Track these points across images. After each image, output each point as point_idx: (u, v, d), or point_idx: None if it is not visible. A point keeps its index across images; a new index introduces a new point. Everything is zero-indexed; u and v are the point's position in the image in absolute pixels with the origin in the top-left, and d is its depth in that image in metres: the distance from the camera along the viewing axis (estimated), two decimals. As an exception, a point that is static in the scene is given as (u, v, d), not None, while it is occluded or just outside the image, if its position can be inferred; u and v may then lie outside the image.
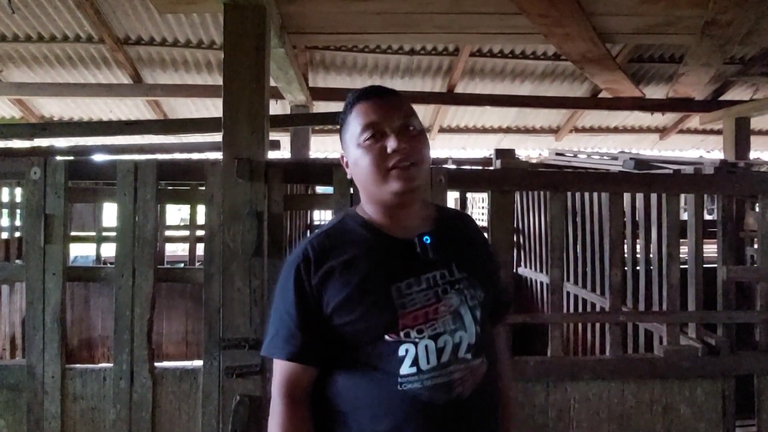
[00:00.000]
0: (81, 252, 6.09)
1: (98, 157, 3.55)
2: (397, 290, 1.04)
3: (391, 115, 1.07)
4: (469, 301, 1.09)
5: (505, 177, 2.29)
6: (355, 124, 1.09)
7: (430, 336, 1.03)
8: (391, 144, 1.04)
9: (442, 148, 6.92)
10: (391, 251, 1.09)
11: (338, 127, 1.17)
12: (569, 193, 3.92)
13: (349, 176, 1.15)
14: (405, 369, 1.02)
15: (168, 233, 5.39)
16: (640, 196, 2.95)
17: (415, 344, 1.02)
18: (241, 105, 2.18)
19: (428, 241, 1.09)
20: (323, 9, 2.68)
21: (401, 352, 1.02)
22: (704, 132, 6.43)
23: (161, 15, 3.86)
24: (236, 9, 2.17)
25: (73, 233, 5.05)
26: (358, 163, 1.08)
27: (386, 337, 1.03)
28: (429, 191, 2.23)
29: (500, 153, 2.33)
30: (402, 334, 1.03)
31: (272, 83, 4.07)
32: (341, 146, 1.16)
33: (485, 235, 1.38)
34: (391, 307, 1.03)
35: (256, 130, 2.21)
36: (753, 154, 6.88)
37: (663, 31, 3.10)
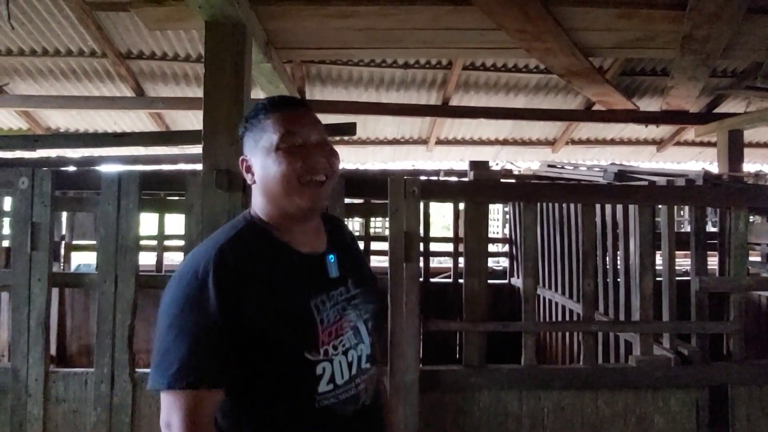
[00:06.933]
0: (84, 260, 6.20)
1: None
2: (316, 307, 1.05)
3: (311, 129, 1.08)
4: (363, 315, 1.13)
5: (477, 188, 2.34)
6: (271, 131, 1.06)
7: (343, 352, 1.06)
8: (313, 158, 1.05)
9: (440, 160, 6.98)
10: (302, 267, 1.08)
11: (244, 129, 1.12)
12: (556, 204, 3.97)
13: (249, 182, 1.11)
14: (323, 386, 1.02)
15: (168, 243, 5.49)
16: (620, 208, 2.99)
17: (331, 361, 1.04)
18: (219, 118, 2.27)
19: (332, 260, 1.12)
20: (306, 25, 2.76)
21: (318, 370, 1.02)
22: (702, 144, 6.43)
23: (152, 31, 3.97)
24: (216, 26, 2.26)
25: (74, 242, 5.19)
26: (270, 171, 1.05)
27: (306, 355, 1.01)
28: (402, 201, 2.29)
29: (474, 165, 2.37)
30: (322, 351, 1.02)
31: (265, 96, 4.18)
32: (244, 148, 1.12)
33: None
34: (313, 325, 1.03)
35: (235, 142, 2.28)
36: (753, 167, 6.89)
37: (644, 46, 3.15)
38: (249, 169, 1.10)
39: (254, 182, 1.10)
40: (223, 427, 1.02)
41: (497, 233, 11.45)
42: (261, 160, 1.07)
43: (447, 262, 6.44)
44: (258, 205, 1.12)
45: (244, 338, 0.97)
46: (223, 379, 0.96)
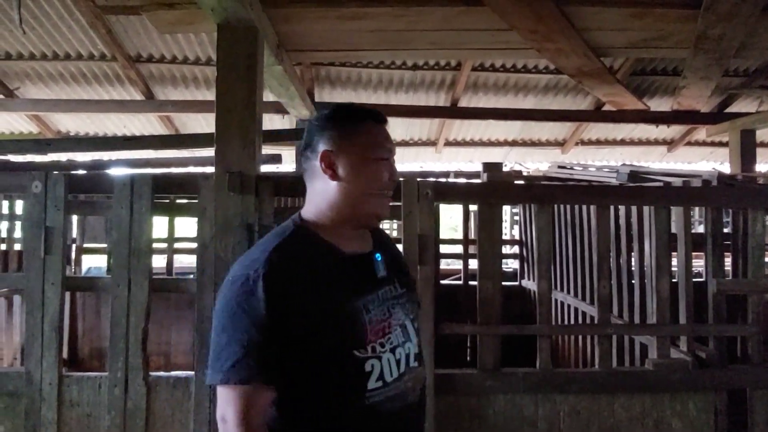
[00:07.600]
0: (94, 263, 6.23)
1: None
2: (364, 306, 1.08)
3: (394, 148, 1.18)
4: (410, 313, 1.17)
5: (491, 190, 2.32)
6: (374, 140, 1.13)
7: (390, 349, 1.08)
8: (395, 174, 1.16)
9: (449, 161, 6.97)
10: (350, 267, 1.11)
11: (328, 123, 1.14)
12: (568, 205, 3.94)
13: (327, 176, 1.11)
14: (372, 383, 1.05)
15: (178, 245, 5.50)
16: (635, 209, 2.96)
17: (380, 358, 1.06)
18: (232, 121, 2.26)
19: (380, 259, 1.15)
20: (317, 27, 2.76)
21: (367, 367, 1.04)
22: (713, 144, 6.38)
23: (163, 34, 3.98)
24: (229, 29, 2.26)
25: (85, 245, 5.21)
26: (361, 174, 1.11)
27: (355, 353, 1.04)
28: (415, 204, 2.28)
29: (487, 166, 2.36)
30: (369, 348, 1.05)
31: (276, 99, 4.18)
32: (328, 143, 1.12)
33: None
34: (361, 323, 1.06)
35: (247, 145, 2.28)
36: (765, 167, 6.82)
37: (657, 45, 3.12)
38: (332, 165, 1.11)
39: (335, 178, 1.11)
40: (273, 425, 1.04)
41: (506, 234, 11.40)
42: (351, 161, 1.11)
43: (455, 264, 6.42)
44: (316, 205, 1.14)
45: (294, 338, 1.00)
46: (273, 376, 1.00)
